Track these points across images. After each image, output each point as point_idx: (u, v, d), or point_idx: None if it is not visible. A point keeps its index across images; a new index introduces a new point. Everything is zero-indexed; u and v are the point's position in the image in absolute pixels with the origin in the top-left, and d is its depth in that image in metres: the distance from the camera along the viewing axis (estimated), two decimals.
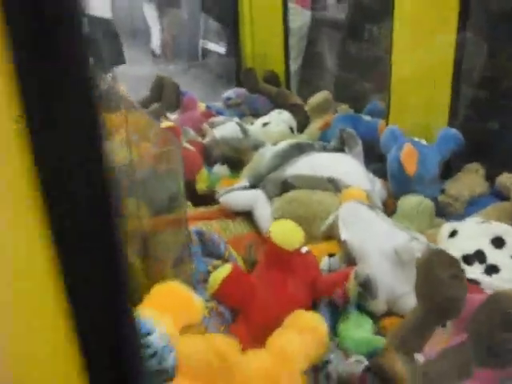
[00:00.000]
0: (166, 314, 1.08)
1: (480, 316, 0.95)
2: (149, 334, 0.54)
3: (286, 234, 1.29)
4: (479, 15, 2.04)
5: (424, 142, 1.85)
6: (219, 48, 4.63)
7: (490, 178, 1.84)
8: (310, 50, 3.67)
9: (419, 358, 1.01)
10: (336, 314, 1.34)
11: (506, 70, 2.10)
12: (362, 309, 1.35)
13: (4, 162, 0.40)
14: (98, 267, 0.42)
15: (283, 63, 2.80)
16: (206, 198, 1.96)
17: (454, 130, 1.85)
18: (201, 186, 2.04)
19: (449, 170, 1.93)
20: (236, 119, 2.35)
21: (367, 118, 2.17)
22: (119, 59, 3.12)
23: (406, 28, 1.90)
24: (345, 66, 3.03)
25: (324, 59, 3.51)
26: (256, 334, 1.22)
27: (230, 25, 3.10)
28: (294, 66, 3.85)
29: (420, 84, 1.92)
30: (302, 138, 2.24)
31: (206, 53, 5.03)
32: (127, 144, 1.66)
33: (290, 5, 3.46)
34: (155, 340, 0.54)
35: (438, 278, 1.01)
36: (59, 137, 0.39)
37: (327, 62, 3.40)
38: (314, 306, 1.35)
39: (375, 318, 1.36)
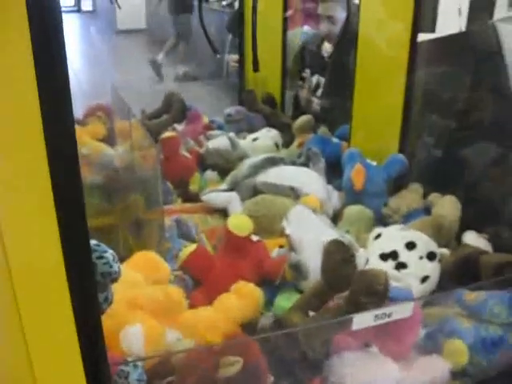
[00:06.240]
0: (140, 271, 1.51)
1: (353, 286, 1.35)
2: (105, 251, 0.99)
3: (239, 223, 1.71)
4: (462, 52, 2.34)
5: (374, 163, 2.24)
6: None
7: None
8: None
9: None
10: (276, 289, 1.75)
11: (476, 104, 2.41)
12: (297, 287, 1.76)
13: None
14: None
15: (280, 87, 3.21)
16: (196, 197, 2.38)
17: (400, 156, 2.22)
18: (193, 187, 2.47)
19: (398, 187, 2.30)
20: (231, 134, 2.76)
21: (335, 140, 2.57)
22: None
23: (367, 63, 2.28)
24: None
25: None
26: (210, 300, 1.63)
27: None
28: None
29: (376, 115, 2.31)
30: (283, 154, 2.64)
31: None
32: (132, 149, 2.10)
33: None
34: (107, 254, 0.99)
35: (333, 260, 1.42)
36: None
37: None
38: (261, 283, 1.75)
39: None
